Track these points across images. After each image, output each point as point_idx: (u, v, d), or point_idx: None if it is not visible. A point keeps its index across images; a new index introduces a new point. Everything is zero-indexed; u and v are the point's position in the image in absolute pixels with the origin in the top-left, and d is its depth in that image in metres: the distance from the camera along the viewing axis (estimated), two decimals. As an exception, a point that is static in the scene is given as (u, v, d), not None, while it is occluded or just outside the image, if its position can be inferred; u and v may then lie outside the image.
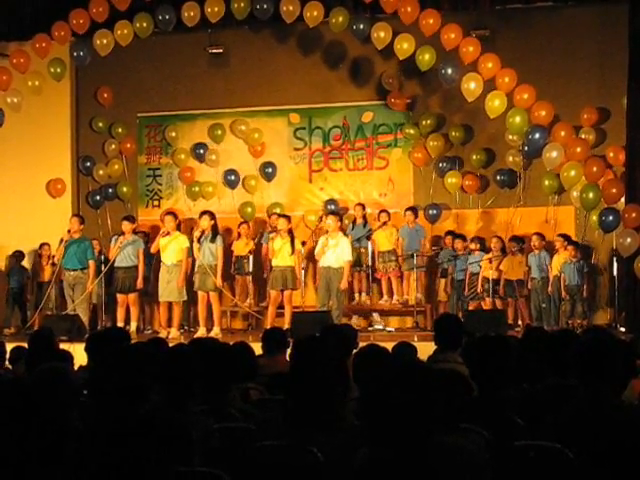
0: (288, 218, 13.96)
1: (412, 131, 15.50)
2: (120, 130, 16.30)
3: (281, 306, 13.62)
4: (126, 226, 13.99)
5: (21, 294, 15.37)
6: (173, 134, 16.42)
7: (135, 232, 14.30)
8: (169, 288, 13.61)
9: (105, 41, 14.43)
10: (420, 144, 15.44)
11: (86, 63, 15.00)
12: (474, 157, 15.12)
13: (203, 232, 13.55)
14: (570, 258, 13.53)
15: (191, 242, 13.68)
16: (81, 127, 16.52)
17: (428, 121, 15.31)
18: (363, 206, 15.04)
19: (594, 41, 14.71)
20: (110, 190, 16.37)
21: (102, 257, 14.37)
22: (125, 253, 13.87)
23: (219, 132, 16.19)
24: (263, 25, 15.09)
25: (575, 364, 4.40)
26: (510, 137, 14.14)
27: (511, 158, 14.79)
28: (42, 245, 15.38)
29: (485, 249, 14.20)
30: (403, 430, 3.19)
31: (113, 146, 16.35)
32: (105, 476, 3.48)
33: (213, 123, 16.22)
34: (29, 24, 14.97)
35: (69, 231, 13.93)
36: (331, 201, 15.73)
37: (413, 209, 14.92)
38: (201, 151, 16.25)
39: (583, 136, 14.12)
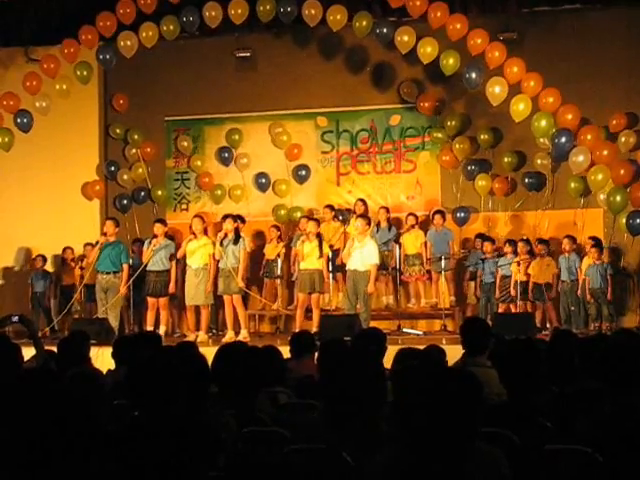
0: (317, 222, 13.97)
1: (440, 134, 15.47)
2: (136, 137, 16.21)
3: (309, 309, 13.66)
4: (158, 228, 13.92)
5: (45, 298, 15.43)
6: (185, 144, 16.44)
7: (166, 235, 14.25)
8: (197, 292, 13.59)
9: (129, 42, 14.49)
10: (448, 147, 15.39)
11: (112, 66, 15.01)
12: (505, 160, 15.01)
13: (226, 235, 13.50)
14: (594, 261, 13.45)
15: (214, 245, 13.69)
16: (109, 131, 16.57)
17: (453, 122, 15.26)
18: (387, 209, 15.01)
19: (622, 44, 14.62)
20: (142, 194, 16.38)
21: (130, 261, 14.27)
22: (158, 257, 13.82)
23: (236, 137, 16.22)
24: (289, 29, 15.10)
25: (603, 367, 4.34)
26: (541, 140, 13.97)
27: (539, 161, 14.73)
28: (65, 249, 15.42)
29: (515, 252, 14.12)
30: (446, 437, 3.18)
31: (133, 150, 16.33)
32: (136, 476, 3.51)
33: (231, 128, 16.23)
34: (58, 28, 14.98)
35: (105, 234, 13.91)
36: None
37: (441, 212, 14.88)
38: (226, 154, 16.26)
39: (623, 139, 14.01)
